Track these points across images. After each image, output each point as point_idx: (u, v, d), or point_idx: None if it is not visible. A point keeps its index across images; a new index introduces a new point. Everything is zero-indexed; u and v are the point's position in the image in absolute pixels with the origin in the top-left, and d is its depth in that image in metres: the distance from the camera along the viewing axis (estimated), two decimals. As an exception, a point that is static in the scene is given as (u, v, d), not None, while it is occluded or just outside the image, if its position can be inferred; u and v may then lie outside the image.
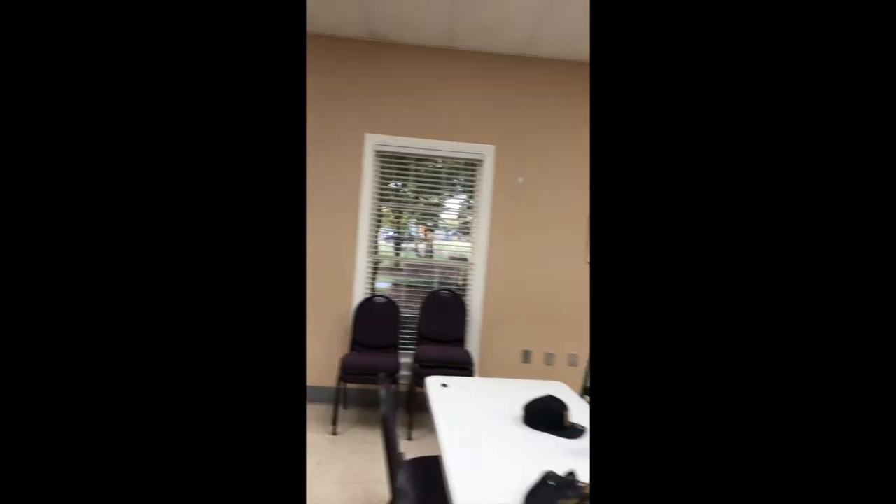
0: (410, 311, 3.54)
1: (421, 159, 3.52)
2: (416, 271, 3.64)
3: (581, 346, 3.55)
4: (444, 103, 3.46)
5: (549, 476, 1.23)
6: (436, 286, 3.56)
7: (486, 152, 3.47)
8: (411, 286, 3.61)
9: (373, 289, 3.55)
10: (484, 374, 3.51)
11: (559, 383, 2.13)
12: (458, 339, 3.39)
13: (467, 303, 3.53)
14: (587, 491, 1.10)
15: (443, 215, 3.64)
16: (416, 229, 3.65)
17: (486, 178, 3.48)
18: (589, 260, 3.52)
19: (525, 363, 3.56)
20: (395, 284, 3.62)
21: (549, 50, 3.33)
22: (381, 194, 3.53)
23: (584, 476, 1.28)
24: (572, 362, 3.57)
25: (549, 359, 3.56)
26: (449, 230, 3.68)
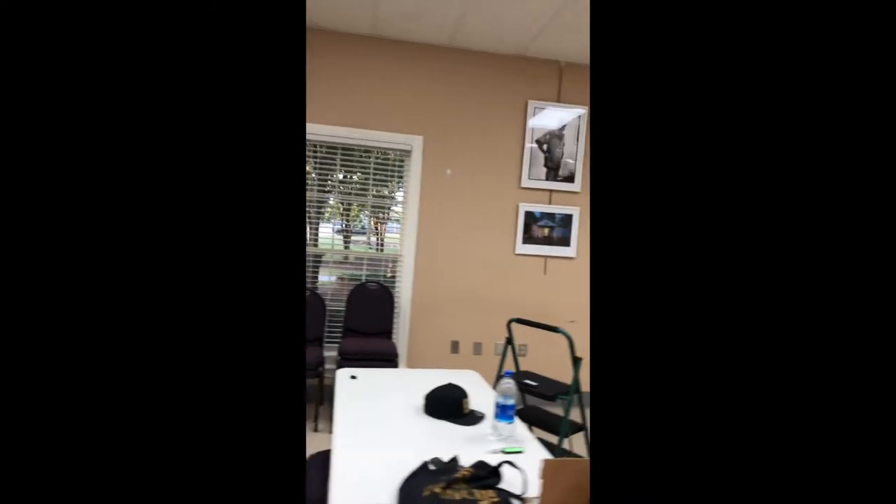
0: (340, 304, 3.49)
1: (367, 151, 3.46)
2: (361, 265, 3.58)
3: (501, 335, 3.61)
4: (370, 92, 3.41)
5: (432, 461, 1.23)
6: (384, 279, 3.53)
7: (414, 143, 3.45)
8: (354, 279, 3.56)
9: (314, 283, 3.47)
10: (412, 366, 3.51)
11: (471, 372, 2.16)
12: (386, 332, 3.37)
13: (396, 295, 3.51)
14: (462, 474, 1.12)
15: (396, 208, 3.60)
16: (367, 222, 3.59)
17: (414, 170, 3.47)
18: (518, 251, 3.58)
19: (454, 353, 3.59)
20: (341, 278, 3.55)
21: (476, 42, 3.34)
22: (321, 186, 3.45)
23: (469, 461, 1.29)
24: (500, 351, 3.62)
25: (477, 348, 3.60)
26: (398, 222, 3.64)
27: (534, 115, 3.54)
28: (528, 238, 3.60)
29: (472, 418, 1.62)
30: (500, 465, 1.20)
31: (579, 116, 3.58)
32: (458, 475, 1.10)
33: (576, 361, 2.21)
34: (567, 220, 3.63)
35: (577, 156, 3.60)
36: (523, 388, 2.23)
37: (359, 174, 3.54)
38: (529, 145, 3.54)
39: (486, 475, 1.16)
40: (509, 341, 2.52)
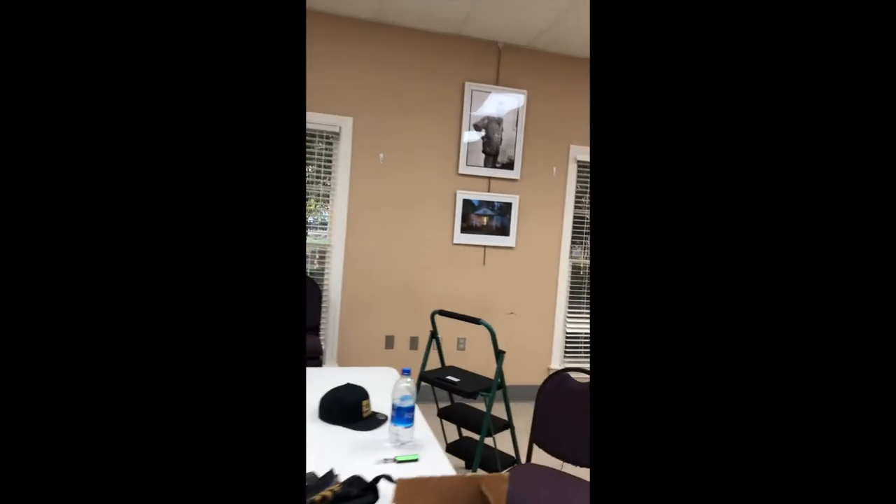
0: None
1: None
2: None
3: (445, 329, 3.47)
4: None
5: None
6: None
7: (342, 125, 3.23)
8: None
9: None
10: (343, 364, 3.31)
11: (388, 368, 1.99)
12: (313, 328, 3.16)
13: (324, 288, 3.30)
14: (323, 495, 0.94)
15: (323, 195, 3.35)
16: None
17: (343, 154, 3.25)
18: (455, 241, 3.43)
19: (388, 349, 3.41)
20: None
21: (407, 18, 3.15)
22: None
23: (355, 471, 1.12)
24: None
25: (413, 343, 3.44)
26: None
27: (472, 98, 3.39)
28: (467, 227, 3.45)
29: (373, 422, 1.45)
30: (376, 479, 1.03)
31: (518, 101, 3.45)
32: (317, 497, 0.92)
33: (499, 355, 2.07)
34: (506, 208, 3.50)
35: (516, 142, 3.48)
36: (443, 386, 2.08)
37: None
38: (467, 130, 3.39)
39: (358, 493, 0.99)
40: (433, 335, 2.36)
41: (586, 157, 3.62)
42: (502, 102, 3.44)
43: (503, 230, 3.52)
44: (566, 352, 3.73)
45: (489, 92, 3.41)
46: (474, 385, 2.08)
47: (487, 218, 3.49)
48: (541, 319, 3.64)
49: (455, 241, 3.44)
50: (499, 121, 3.45)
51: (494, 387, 2.03)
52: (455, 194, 3.42)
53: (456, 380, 2.12)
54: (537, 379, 3.64)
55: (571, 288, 3.71)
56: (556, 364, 3.67)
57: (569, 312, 3.71)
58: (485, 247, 3.51)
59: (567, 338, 3.71)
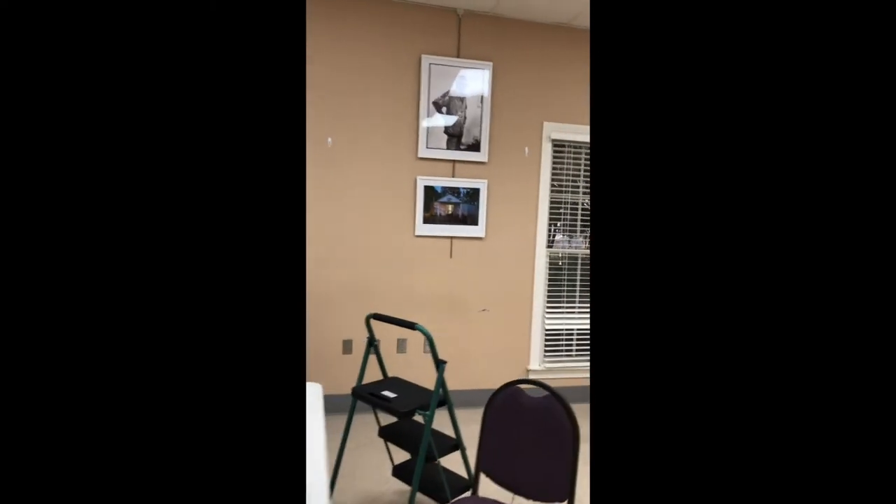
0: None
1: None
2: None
3: (410, 332, 3.14)
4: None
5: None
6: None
7: (285, 107, 2.89)
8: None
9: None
10: (297, 371, 3.00)
11: (312, 384, 1.66)
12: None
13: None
14: None
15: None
16: None
17: (287, 139, 2.91)
18: (417, 233, 3.10)
19: (346, 354, 3.09)
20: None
21: (355, -15, 2.80)
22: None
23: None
24: (402, 348, 3.15)
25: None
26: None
27: (430, 73, 3.04)
28: (430, 217, 3.12)
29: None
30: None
31: (482, 75, 3.10)
32: None
33: (439, 365, 1.74)
34: (473, 194, 3.16)
35: (482, 121, 3.13)
36: (375, 403, 1.76)
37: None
38: (426, 108, 3.05)
39: None
40: (371, 342, 2.04)
41: (561, 136, 3.27)
42: (464, 77, 3.09)
43: (471, 219, 3.18)
44: (546, 351, 3.40)
45: (449, 66, 3.07)
46: (413, 401, 1.75)
47: (453, 206, 3.15)
48: (517, 316, 3.31)
49: (417, 233, 3.11)
50: (461, 98, 3.11)
51: (434, 403, 1.70)
52: (415, 181, 3.08)
53: (391, 395, 1.79)
54: (515, 381, 3.32)
55: (550, 281, 3.37)
56: (536, 364, 3.34)
57: (548, 308, 3.37)
58: (451, 238, 3.17)
59: (547, 335, 3.38)
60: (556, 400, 1.47)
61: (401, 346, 3.15)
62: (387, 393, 1.82)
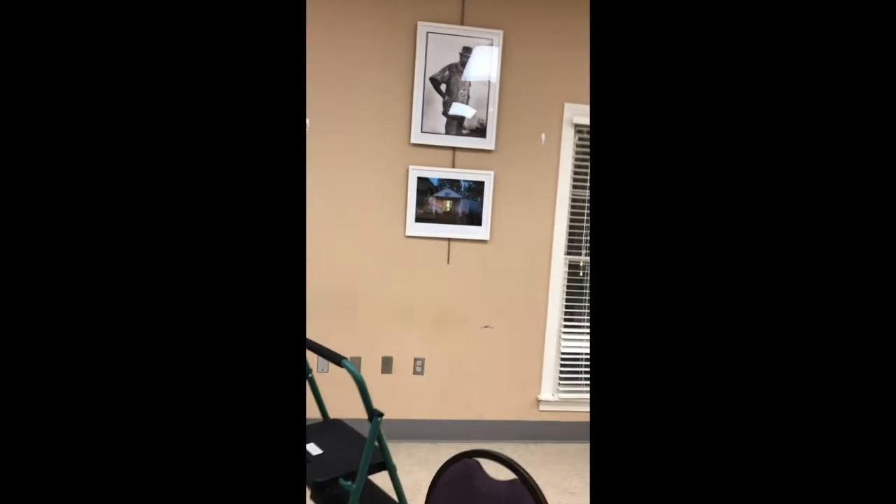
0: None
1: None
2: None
3: (399, 347, 2.67)
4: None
5: None
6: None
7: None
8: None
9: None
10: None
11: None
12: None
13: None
14: None
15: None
16: None
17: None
18: (409, 233, 2.62)
19: (321, 372, 2.65)
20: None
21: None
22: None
23: None
24: (387, 368, 2.67)
25: (356, 365, 2.65)
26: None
27: (427, 43, 2.56)
28: (424, 214, 2.63)
29: None
30: None
31: (491, 43, 2.59)
32: None
33: (372, 416, 1.25)
34: (477, 189, 2.65)
35: (488, 100, 2.62)
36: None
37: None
38: (422, 85, 2.57)
39: None
40: (304, 373, 1.57)
41: (586, 120, 2.71)
42: (469, 48, 2.59)
43: (473, 218, 2.67)
44: (561, 378, 2.84)
45: (451, 35, 2.57)
46: (342, 460, 1.27)
47: (452, 202, 2.65)
48: (527, 335, 2.77)
49: (408, 233, 2.63)
50: (463, 71, 2.61)
51: (363, 470, 1.21)
52: (407, 171, 2.61)
53: (316, 451, 1.32)
54: (522, 413, 2.78)
55: (568, 294, 2.81)
56: (548, 394, 2.79)
57: (565, 326, 2.82)
58: (449, 240, 2.67)
59: (563, 360, 2.82)
60: (526, 491, 0.96)
61: (386, 365, 2.68)
62: (312, 447, 1.34)
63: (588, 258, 2.83)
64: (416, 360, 2.70)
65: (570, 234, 2.79)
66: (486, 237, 2.68)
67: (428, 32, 2.55)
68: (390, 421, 2.65)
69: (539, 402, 2.79)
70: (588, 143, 2.76)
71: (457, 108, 2.59)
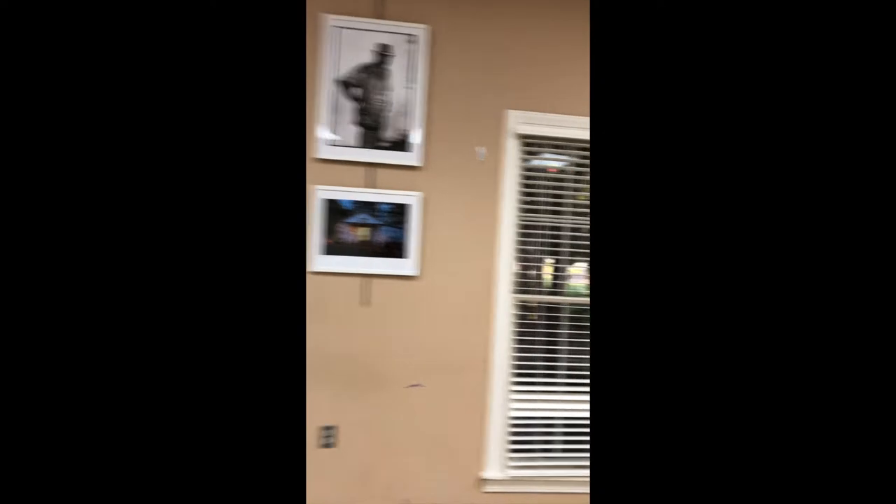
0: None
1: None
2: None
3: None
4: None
5: None
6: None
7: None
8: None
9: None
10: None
11: None
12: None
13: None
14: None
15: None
16: None
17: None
18: (315, 268, 2.11)
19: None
20: None
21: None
22: None
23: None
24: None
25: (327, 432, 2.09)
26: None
27: (339, 39, 2.13)
28: (334, 245, 2.13)
29: None
30: None
31: (415, 40, 2.16)
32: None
33: None
34: (400, 212, 2.16)
35: (414, 106, 2.17)
36: None
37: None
38: (329, 89, 2.12)
39: None
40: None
41: (531, 129, 2.25)
42: (388, 45, 2.16)
43: (396, 249, 2.17)
44: (512, 451, 2.26)
45: (364, 29, 2.15)
46: None
47: (369, 229, 2.16)
48: (467, 396, 2.21)
49: (314, 268, 2.12)
50: (380, 73, 2.17)
51: None
52: (313, 192, 2.13)
53: None
54: (461, 496, 2.18)
55: (518, 342, 2.28)
56: (495, 471, 2.21)
57: (514, 383, 2.26)
58: (366, 276, 2.16)
59: (513, 427, 2.25)
60: None
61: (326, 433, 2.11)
62: None
63: (540, 296, 2.30)
64: (323, 429, 2.13)
65: (520, 267, 2.28)
66: (414, 272, 2.17)
67: (335, 26, 2.13)
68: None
69: (483, 481, 2.20)
70: (536, 157, 2.29)
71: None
